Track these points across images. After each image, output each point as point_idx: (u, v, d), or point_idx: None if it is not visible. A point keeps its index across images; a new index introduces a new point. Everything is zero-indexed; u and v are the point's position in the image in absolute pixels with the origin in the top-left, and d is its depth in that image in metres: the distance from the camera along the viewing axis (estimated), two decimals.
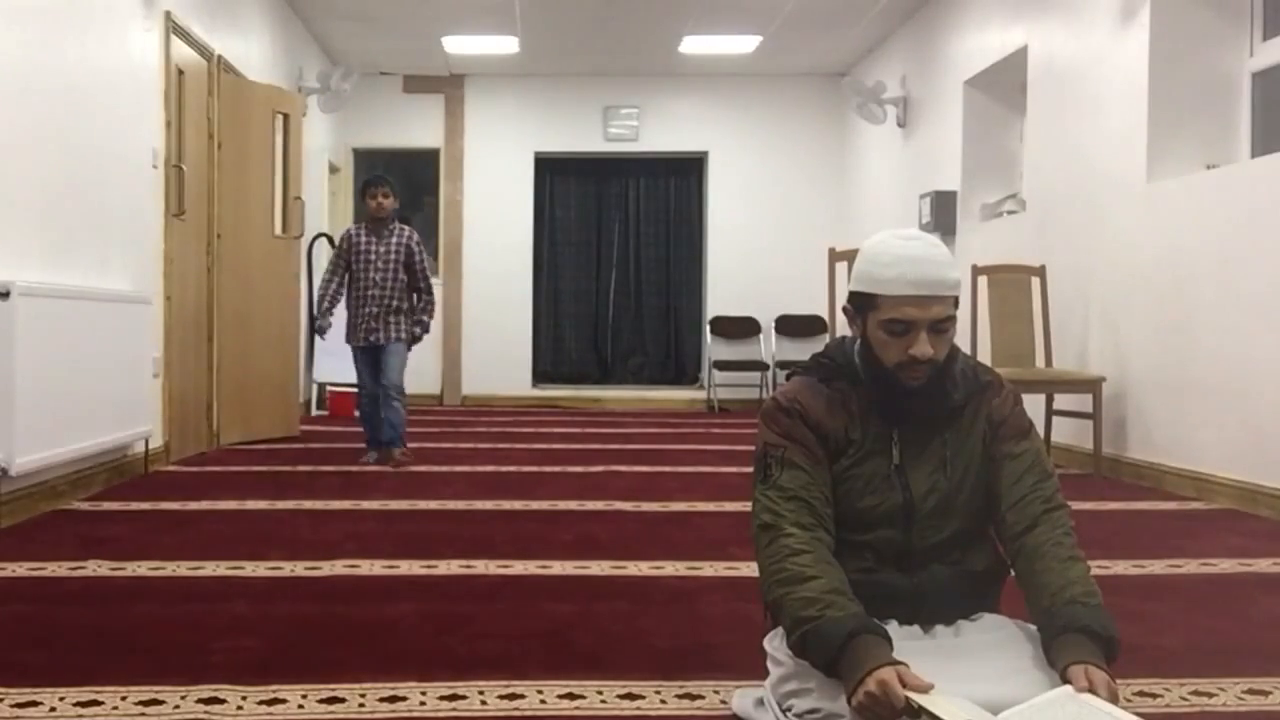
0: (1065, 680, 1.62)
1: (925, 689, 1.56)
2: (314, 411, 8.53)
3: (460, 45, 9.21)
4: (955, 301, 1.83)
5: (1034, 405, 5.71)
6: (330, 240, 10.03)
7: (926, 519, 1.87)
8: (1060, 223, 6.02)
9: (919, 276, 1.78)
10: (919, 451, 1.88)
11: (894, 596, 1.85)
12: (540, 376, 10.61)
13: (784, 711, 1.80)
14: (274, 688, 2.13)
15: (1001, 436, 1.90)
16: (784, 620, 1.76)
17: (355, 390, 6.05)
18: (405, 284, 5.64)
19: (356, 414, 6.07)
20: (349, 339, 5.69)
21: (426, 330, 5.85)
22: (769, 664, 1.89)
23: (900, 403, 1.86)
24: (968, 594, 1.89)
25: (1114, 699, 1.59)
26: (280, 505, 4.30)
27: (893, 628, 1.78)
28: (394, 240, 5.62)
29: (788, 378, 2.03)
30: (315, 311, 6.07)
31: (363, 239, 5.62)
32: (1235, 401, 4.55)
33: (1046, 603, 1.74)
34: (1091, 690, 1.59)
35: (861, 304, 1.86)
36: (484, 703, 2.07)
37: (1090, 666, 1.62)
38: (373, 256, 5.59)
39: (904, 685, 1.56)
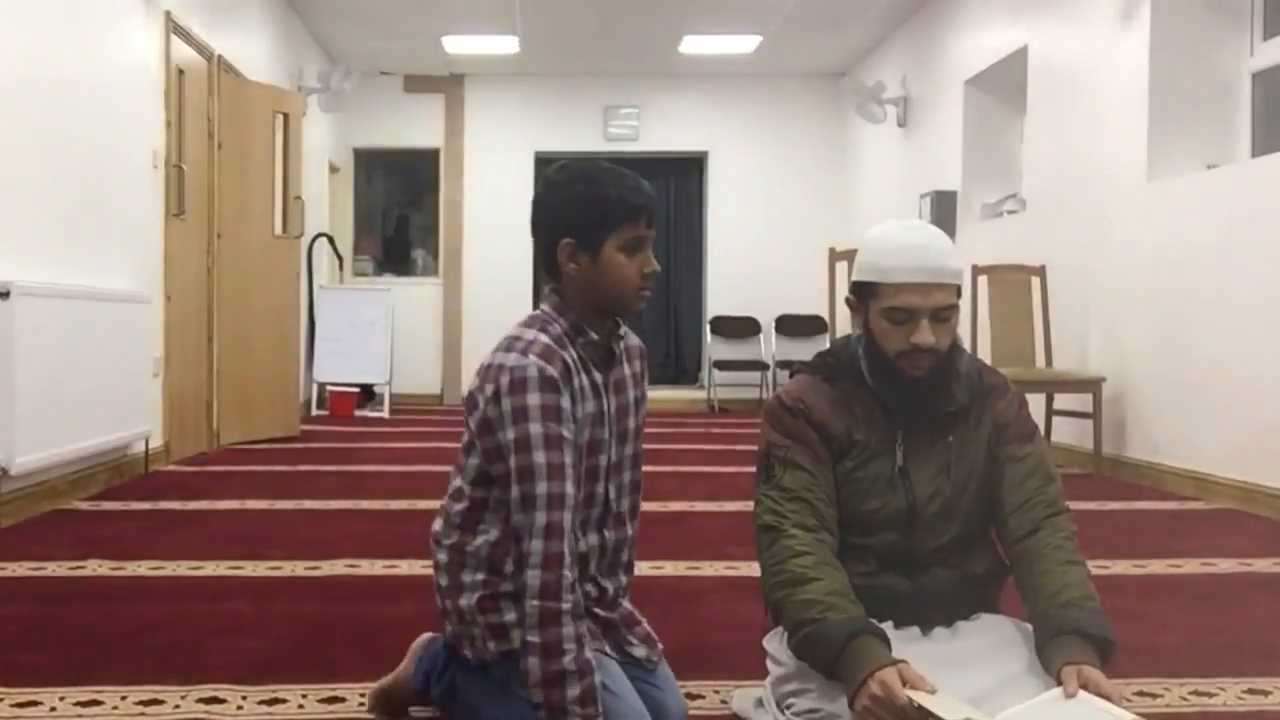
0: (1059, 683, 1.62)
1: (925, 686, 1.56)
2: (314, 411, 8.52)
3: (460, 45, 9.21)
4: (958, 291, 1.83)
5: (1034, 405, 5.69)
6: (333, 243, 9.49)
7: (929, 523, 1.86)
8: (1060, 223, 6.02)
9: (920, 264, 1.78)
10: (923, 454, 1.87)
11: (895, 600, 1.84)
12: None
13: (784, 711, 1.80)
14: (274, 688, 2.13)
15: (1006, 439, 1.89)
16: (785, 622, 1.76)
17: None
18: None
19: None
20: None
21: None
22: (769, 664, 1.89)
23: (904, 396, 1.84)
24: (968, 597, 1.89)
25: (1110, 696, 1.59)
26: (280, 505, 4.30)
27: (889, 629, 1.78)
28: (628, 373, 1.93)
29: (791, 375, 2.02)
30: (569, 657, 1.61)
31: (584, 380, 1.83)
32: (1235, 401, 4.55)
33: (1043, 605, 1.74)
34: (1085, 689, 1.59)
35: (864, 293, 1.85)
36: None
37: (1083, 667, 1.62)
38: (607, 427, 1.84)
39: (905, 683, 1.56)
